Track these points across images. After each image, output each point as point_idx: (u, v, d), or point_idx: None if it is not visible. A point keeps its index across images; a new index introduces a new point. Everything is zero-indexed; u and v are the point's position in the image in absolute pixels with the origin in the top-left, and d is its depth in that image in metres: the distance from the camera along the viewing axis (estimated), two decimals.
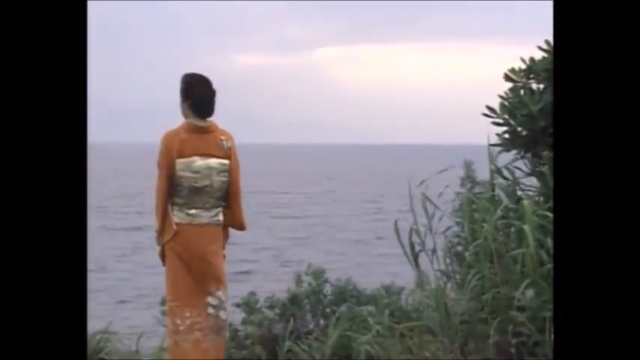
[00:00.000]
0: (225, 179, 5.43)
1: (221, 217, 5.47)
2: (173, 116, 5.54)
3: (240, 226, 5.56)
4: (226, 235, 5.59)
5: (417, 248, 4.96)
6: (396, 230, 4.90)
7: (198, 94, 5.37)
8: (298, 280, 7.05)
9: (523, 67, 5.52)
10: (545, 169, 5.05)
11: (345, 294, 6.92)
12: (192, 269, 5.30)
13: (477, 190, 5.93)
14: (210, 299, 5.34)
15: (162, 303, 6.57)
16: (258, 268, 22.67)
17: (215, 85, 5.41)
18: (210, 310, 5.33)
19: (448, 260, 5.18)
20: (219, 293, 5.39)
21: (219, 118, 5.50)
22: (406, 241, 4.97)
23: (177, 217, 5.35)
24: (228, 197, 5.49)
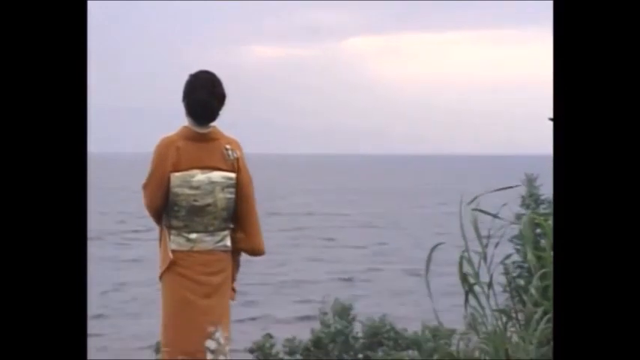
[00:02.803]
0: (231, 196, 4.81)
1: (228, 242, 4.84)
2: (180, 121, 4.97)
3: (258, 252, 4.91)
4: (237, 264, 4.95)
5: (471, 281, 4.47)
6: (429, 260, 4.38)
7: (196, 94, 4.77)
8: (323, 320, 6.37)
9: None
10: None
11: (380, 336, 6.23)
12: (194, 306, 4.69)
13: (541, 210, 5.43)
14: (209, 342, 4.71)
15: (157, 349, 5.94)
16: (299, 308, 21.20)
17: (223, 82, 4.81)
18: (209, 357, 4.69)
19: (508, 296, 4.85)
20: (218, 334, 4.74)
21: (227, 123, 4.89)
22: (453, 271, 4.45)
23: (174, 243, 4.74)
24: (239, 218, 4.87)
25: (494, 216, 4.42)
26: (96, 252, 27.04)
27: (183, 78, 4.95)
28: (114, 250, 31.03)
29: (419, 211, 50.50)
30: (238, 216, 4.88)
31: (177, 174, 4.73)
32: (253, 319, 18.14)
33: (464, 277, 4.36)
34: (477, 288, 4.48)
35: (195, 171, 4.74)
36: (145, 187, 4.79)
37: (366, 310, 8.62)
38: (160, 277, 4.78)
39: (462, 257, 4.36)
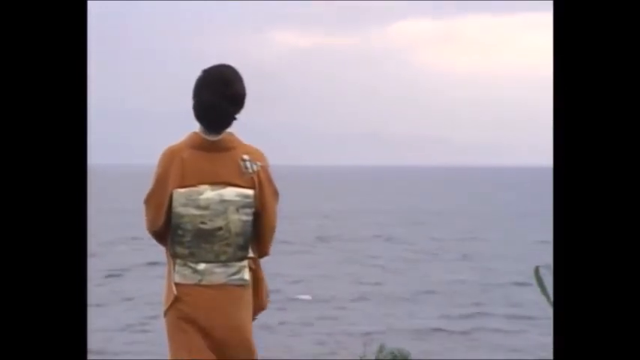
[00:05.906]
0: (248, 218, 4.10)
1: (246, 275, 4.13)
2: (189, 125, 4.36)
3: (263, 255, 4.31)
4: (259, 304, 4.25)
5: None
6: (540, 281, 3.72)
7: (203, 95, 4.09)
8: None
9: None
10: None
11: None
12: (203, 356, 4.06)
13: None
14: None
15: None
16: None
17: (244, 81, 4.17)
18: None
19: None
20: None
21: (245, 129, 4.29)
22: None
23: (179, 274, 4.07)
24: (260, 245, 4.21)
25: None
26: None
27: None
28: None
29: (498, 237, 45.10)
30: (257, 242, 4.20)
31: (181, 190, 4.05)
32: None
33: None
34: None
35: (203, 187, 4.07)
36: (147, 202, 4.12)
37: None
38: (164, 315, 4.12)
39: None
